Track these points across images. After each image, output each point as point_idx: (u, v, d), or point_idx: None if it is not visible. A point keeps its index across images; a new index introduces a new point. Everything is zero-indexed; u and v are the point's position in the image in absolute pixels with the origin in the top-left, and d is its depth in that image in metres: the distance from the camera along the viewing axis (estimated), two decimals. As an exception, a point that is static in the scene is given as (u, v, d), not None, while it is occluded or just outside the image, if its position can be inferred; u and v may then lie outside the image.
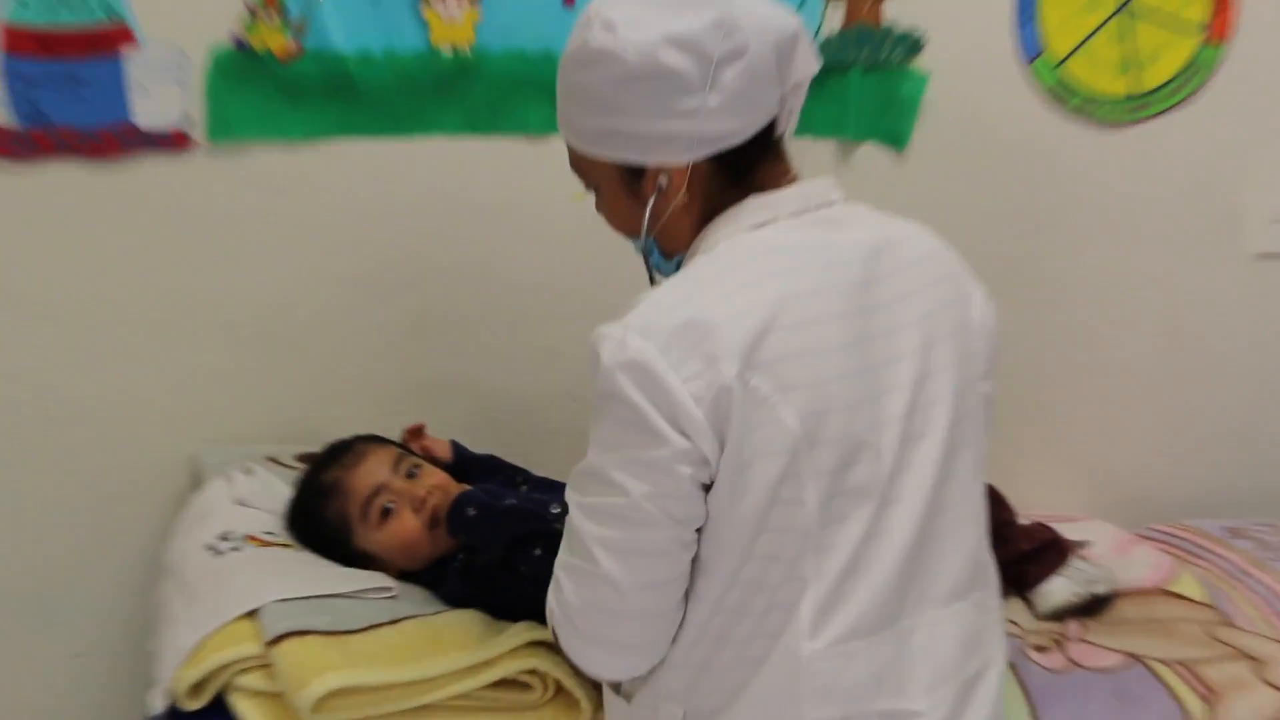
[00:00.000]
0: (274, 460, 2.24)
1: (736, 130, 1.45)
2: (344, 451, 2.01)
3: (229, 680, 1.68)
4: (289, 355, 2.38)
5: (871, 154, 2.59)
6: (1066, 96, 2.62)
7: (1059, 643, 2.05)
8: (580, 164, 1.56)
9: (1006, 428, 2.77)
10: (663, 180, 1.47)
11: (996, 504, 2.17)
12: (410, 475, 1.96)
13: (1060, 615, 2.12)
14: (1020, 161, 2.66)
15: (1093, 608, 2.14)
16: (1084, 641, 2.06)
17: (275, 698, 1.66)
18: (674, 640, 1.46)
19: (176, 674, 1.67)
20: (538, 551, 1.73)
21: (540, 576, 1.52)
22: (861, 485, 1.40)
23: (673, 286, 1.41)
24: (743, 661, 1.42)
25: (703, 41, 1.40)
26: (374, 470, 1.95)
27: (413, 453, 2.07)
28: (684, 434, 1.34)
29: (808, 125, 2.45)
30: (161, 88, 2.19)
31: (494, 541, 1.80)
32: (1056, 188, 2.69)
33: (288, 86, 2.23)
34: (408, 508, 1.91)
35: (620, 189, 1.53)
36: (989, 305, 1.58)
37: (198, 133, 2.22)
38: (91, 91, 2.15)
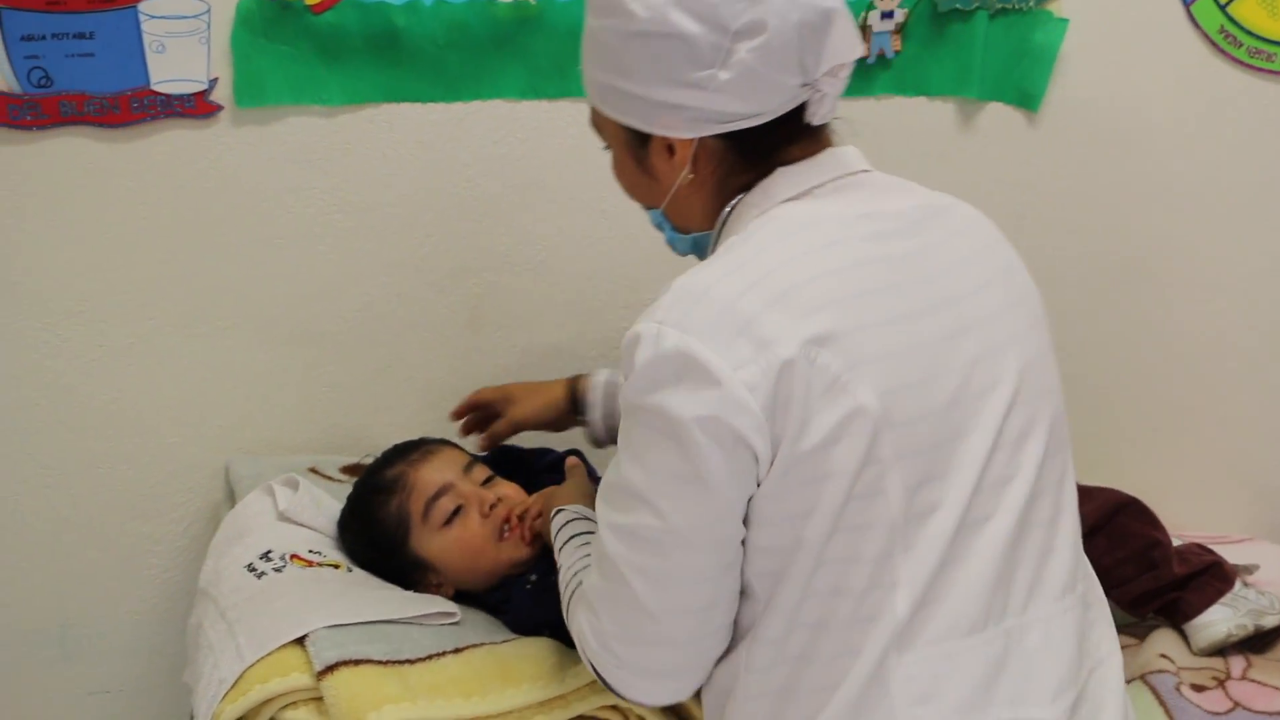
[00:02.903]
0: (316, 472, 2.36)
1: (748, 113, 1.55)
2: (411, 449, 2.15)
3: (275, 715, 1.78)
4: (330, 353, 2.50)
5: (999, 116, 2.67)
6: (1236, 42, 2.68)
7: (1220, 681, 2.13)
8: (595, 119, 1.70)
9: (1158, 436, 2.87)
10: (668, 153, 1.61)
11: (1147, 523, 2.26)
12: (482, 482, 2.09)
13: (1222, 650, 2.19)
14: (1177, 123, 2.73)
15: (1260, 641, 2.22)
16: (1249, 680, 2.13)
17: (328, 734, 1.78)
18: (748, 666, 1.56)
19: (217, 709, 1.77)
20: None
21: None
22: (952, 468, 1.49)
23: (703, 272, 1.51)
24: (829, 682, 1.50)
25: (720, 9, 1.50)
26: (443, 469, 2.09)
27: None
28: (735, 436, 1.42)
29: (923, 83, 2.58)
30: (182, 45, 2.28)
31: None
32: (1222, 154, 2.75)
33: (325, 42, 2.34)
34: (476, 513, 2.04)
35: (627, 153, 1.67)
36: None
37: (224, 97, 2.33)
38: (103, 50, 2.24)
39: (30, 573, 2.46)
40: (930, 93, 2.60)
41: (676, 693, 1.63)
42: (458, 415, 2.29)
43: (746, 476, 1.46)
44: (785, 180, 1.60)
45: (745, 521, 1.51)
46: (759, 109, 1.55)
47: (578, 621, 1.64)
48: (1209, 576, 2.24)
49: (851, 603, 1.48)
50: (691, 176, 1.61)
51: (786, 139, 1.60)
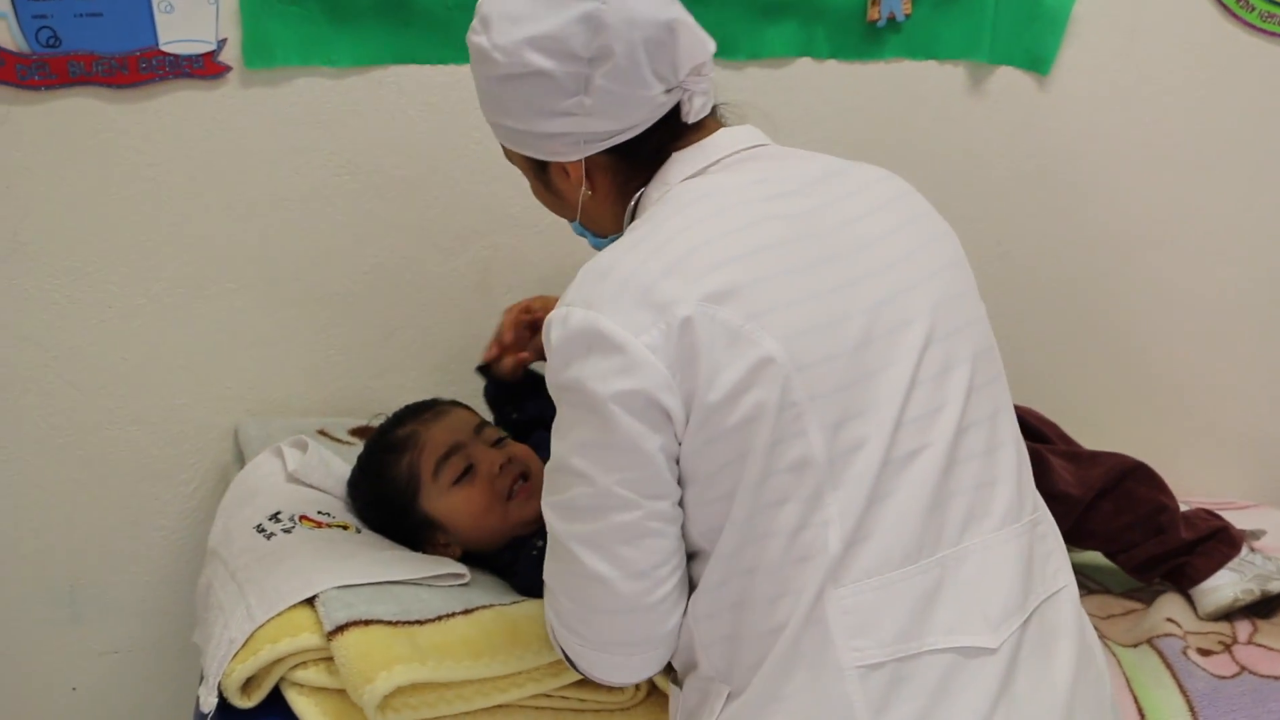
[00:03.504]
0: (324, 434, 2.38)
1: (623, 128, 1.66)
2: (424, 409, 2.18)
3: (285, 675, 1.81)
4: (339, 315, 2.51)
5: (1009, 80, 2.66)
6: (1248, 5, 2.66)
7: (1227, 646, 2.14)
8: (506, 153, 1.82)
9: (1166, 401, 2.88)
10: (565, 174, 1.73)
11: (1154, 488, 2.26)
12: (493, 443, 2.11)
13: (1229, 615, 2.20)
14: (1188, 87, 2.72)
15: (1266, 606, 2.22)
16: (1255, 645, 2.14)
17: (337, 694, 1.79)
18: (695, 616, 1.62)
19: (227, 669, 1.79)
20: None
21: None
22: (871, 405, 1.54)
23: (605, 254, 1.60)
24: (773, 625, 1.55)
25: (569, 41, 1.60)
26: (455, 428, 2.11)
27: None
28: (646, 398, 1.49)
29: (933, 46, 2.58)
30: (190, 5, 2.28)
31: None
32: (1232, 118, 2.75)
33: (334, 3, 2.34)
34: (485, 474, 2.06)
35: (535, 179, 1.81)
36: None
37: (233, 58, 2.33)
38: (111, 10, 2.24)
39: (40, 533, 2.48)
40: (940, 56, 2.60)
41: (644, 665, 1.69)
42: (509, 336, 2.24)
43: (664, 435, 1.53)
44: (680, 163, 1.69)
45: (681, 482, 1.58)
46: (631, 123, 1.66)
47: (546, 614, 1.73)
48: (1216, 542, 2.24)
49: (783, 543, 1.53)
50: (590, 192, 1.73)
51: (671, 138, 1.70)
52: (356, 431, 2.40)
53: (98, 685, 2.59)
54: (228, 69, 2.33)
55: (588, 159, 1.70)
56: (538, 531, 2.01)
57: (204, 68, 2.32)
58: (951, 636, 1.54)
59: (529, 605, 1.92)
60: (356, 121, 2.42)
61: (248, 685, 1.81)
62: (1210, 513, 2.31)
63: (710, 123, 1.73)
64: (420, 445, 2.08)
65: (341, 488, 2.18)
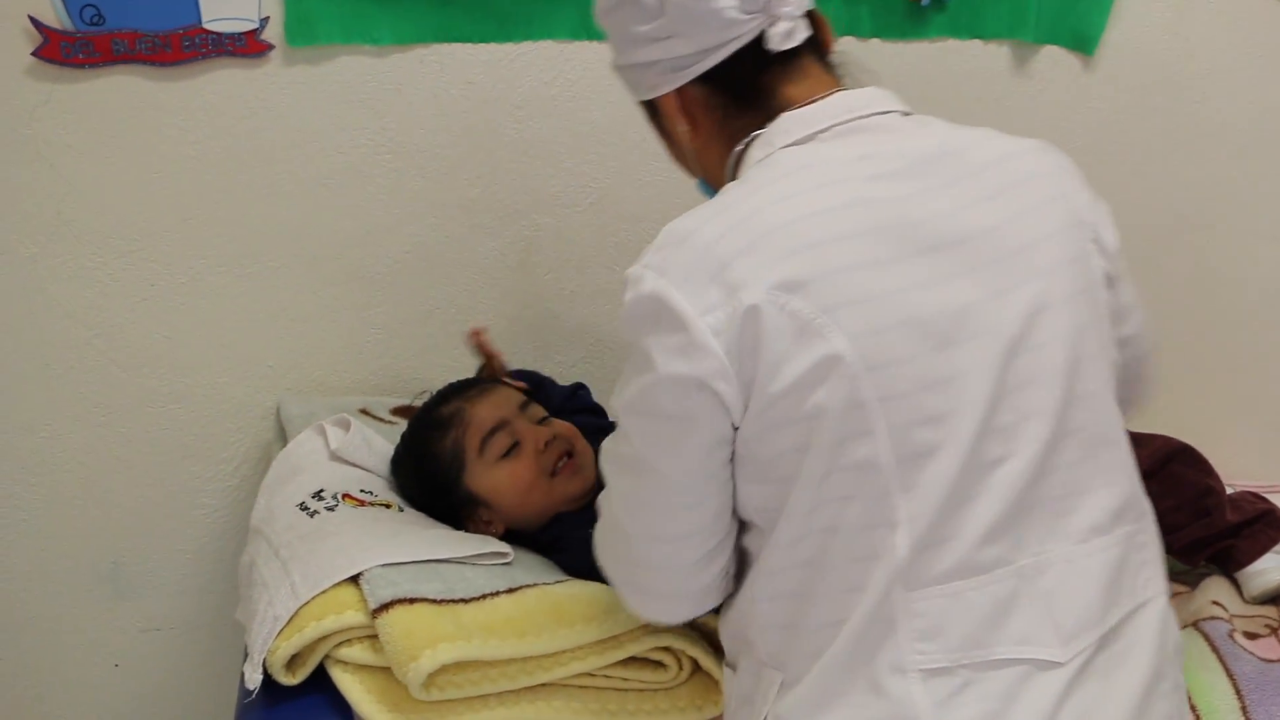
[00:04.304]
0: (367, 413, 2.38)
1: (700, 52, 1.62)
2: (468, 386, 2.19)
3: (330, 652, 1.81)
4: (381, 294, 2.52)
5: (1054, 60, 2.65)
6: (1296, -14, 2.65)
7: (1273, 629, 2.12)
8: (645, 115, 1.79)
9: (1212, 383, 2.86)
10: (669, 113, 1.70)
11: (1200, 470, 2.25)
12: (538, 421, 2.12)
13: (1275, 598, 2.18)
14: (1235, 67, 2.71)
15: (1313, 591, 2.20)
16: (1304, 629, 2.13)
17: (382, 672, 1.79)
18: (753, 598, 1.60)
19: (272, 645, 1.79)
20: None
21: None
22: (949, 410, 1.48)
23: (692, 216, 1.53)
24: (835, 618, 1.52)
25: None
26: (500, 405, 2.12)
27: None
28: (699, 382, 1.47)
29: (977, 25, 2.57)
30: (233, -17, 2.29)
31: None
32: None
33: (376, -18, 2.34)
34: (530, 451, 2.07)
35: (654, 128, 1.78)
36: (1101, 211, 1.67)
37: (275, 36, 2.34)
38: (155, -13, 2.25)
39: (83, 511, 2.50)
40: (985, 35, 2.59)
41: (665, 612, 1.73)
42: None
43: (713, 421, 1.50)
44: (787, 125, 1.61)
45: (735, 458, 1.55)
46: (708, 43, 1.61)
47: (595, 535, 1.76)
48: (1262, 525, 2.22)
49: (845, 540, 1.50)
50: (689, 129, 1.69)
51: (762, 72, 1.64)
52: (399, 411, 2.40)
53: (139, 661, 2.61)
54: (270, 47, 2.34)
55: (683, 93, 1.66)
56: (583, 508, 2.03)
57: (246, 46, 2.33)
58: (1021, 648, 1.50)
59: (573, 584, 1.92)
60: (398, 100, 2.43)
61: (292, 662, 1.81)
62: (1257, 496, 2.30)
63: (826, 80, 1.66)
64: (465, 422, 2.08)
65: (384, 466, 2.18)
